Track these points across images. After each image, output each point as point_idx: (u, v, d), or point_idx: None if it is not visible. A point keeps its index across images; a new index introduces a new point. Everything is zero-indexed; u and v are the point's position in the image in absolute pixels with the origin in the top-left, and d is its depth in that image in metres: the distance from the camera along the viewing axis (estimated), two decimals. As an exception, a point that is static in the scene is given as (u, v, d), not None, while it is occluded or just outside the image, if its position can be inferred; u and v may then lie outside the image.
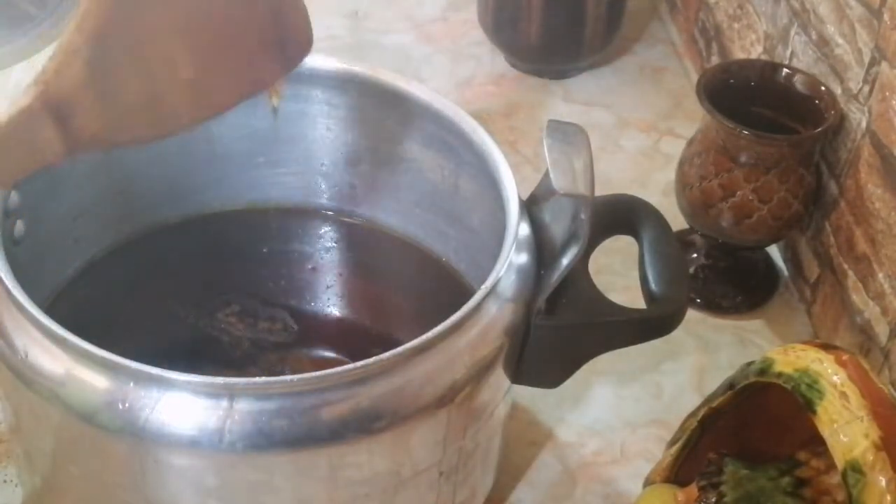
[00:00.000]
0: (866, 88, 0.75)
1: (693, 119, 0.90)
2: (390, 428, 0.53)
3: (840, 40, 0.79)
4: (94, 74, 0.42)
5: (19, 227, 0.60)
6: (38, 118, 0.41)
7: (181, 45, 0.43)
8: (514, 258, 0.58)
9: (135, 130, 0.44)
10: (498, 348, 0.56)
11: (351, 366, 0.51)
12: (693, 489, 0.60)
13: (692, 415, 0.64)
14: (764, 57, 0.93)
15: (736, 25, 0.99)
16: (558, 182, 0.56)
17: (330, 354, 0.70)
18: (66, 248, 0.66)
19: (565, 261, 0.58)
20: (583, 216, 0.56)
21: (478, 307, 0.54)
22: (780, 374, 0.55)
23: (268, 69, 0.48)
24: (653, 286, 0.62)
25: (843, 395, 0.52)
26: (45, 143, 0.42)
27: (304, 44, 0.49)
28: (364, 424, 0.52)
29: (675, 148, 0.93)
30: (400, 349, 0.52)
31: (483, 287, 0.55)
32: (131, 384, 0.50)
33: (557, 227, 0.59)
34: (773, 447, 0.61)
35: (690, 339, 0.82)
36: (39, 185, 0.61)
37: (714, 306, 0.85)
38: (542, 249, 0.60)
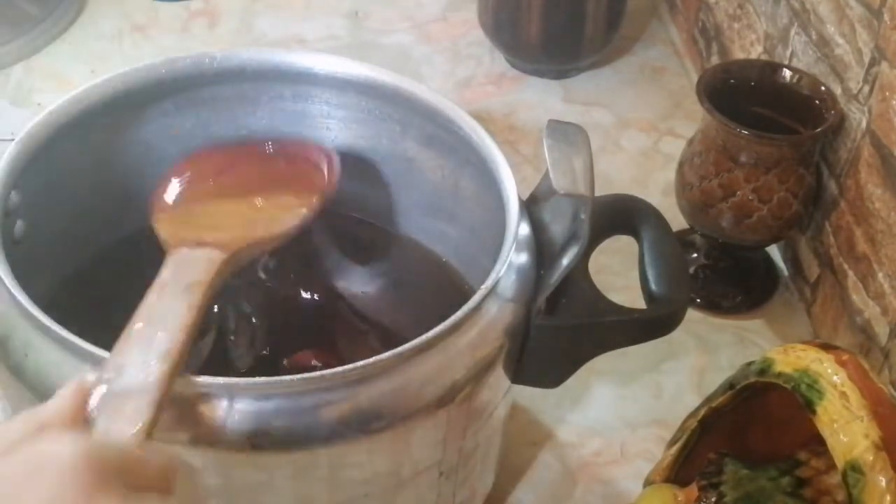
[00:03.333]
0: (866, 88, 0.75)
1: (693, 119, 0.90)
2: (390, 428, 0.52)
3: (840, 40, 0.79)
4: None
5: (19, 227, 0.60)
6: None
7: None
8: (514, 258, 0.58)
9: None
10: (498, 348, 0.56)
11: (351, 366, 0.51)
12: (693, 489, 0.60)
13: (692, 415, 0.64)
14: (764, 57, 0.93)
15: (736, 25, 0.99)
16: (558, 182, 0.56)
17: (329, 355, 0.70)
18: (66, 248, 0.66)
19: (565, 261, 0.58)
20: (583, 216, 0.56)
21: (478, 307, 0.54)
22: (780, 374, 0.55)
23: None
24: (653, 286, 0.61)
25: (843, 395, 0.52)
26: None
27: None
28: (364, 424, 0.52)
29: (675, 148, 0.93)
30: (400, 349, 0.52)
31: (483, 287, 0.55)
32: (131, 384, 0.50)
33: (557, 227, 0.59)
34: (773, 447, 0.61)
35: (690, 339, 0.82)
36: (39, 185, 0.61)
37: (714, 306, 0.85)
38: (542, 249, 0.60)
